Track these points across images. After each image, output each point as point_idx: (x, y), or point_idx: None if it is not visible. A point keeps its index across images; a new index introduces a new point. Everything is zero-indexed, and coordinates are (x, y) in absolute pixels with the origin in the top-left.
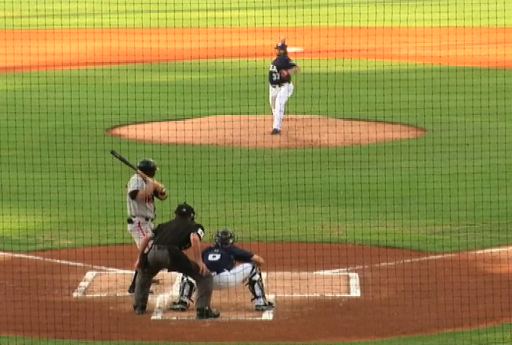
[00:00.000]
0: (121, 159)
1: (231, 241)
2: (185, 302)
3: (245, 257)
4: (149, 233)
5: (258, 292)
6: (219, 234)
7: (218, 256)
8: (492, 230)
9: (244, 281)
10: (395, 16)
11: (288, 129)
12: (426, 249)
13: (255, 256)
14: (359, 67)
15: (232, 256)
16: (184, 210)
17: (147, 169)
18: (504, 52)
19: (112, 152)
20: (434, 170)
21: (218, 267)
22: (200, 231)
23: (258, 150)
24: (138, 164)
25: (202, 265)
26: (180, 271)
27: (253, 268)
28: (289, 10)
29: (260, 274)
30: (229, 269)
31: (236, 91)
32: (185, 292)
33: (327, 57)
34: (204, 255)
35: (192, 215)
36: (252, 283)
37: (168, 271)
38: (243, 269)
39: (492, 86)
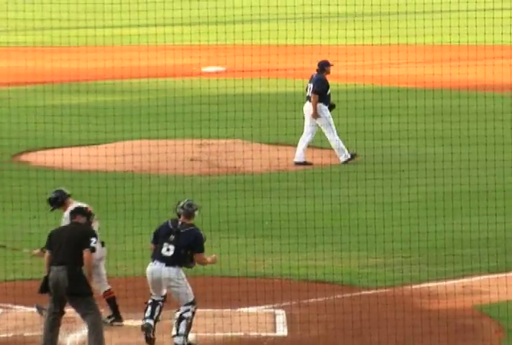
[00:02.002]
0: None
1: (196, 213)
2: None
3: (194, 252)
4: (47, 252)
5: (182, 329)
6: (184, 206)
7: (171, 251)
8: (429, 263)
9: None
10: (323, 34)
11: (209, 155)
12: (359, 283)
13: (202, 257)
14: (285, 88)
15: (183, 250)
16: (73, 209)
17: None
18: (441, 72)
19: None
20: (367, 198)
21: (169, 261)
22: (93, 241)
23: (177, 178)
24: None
25: (93, 286)
26: (77, 298)
27: (192, 302)
28: (210, 26)
29: (194, 313)
30: (180, 265)
31: (154, 114)
32: (155, 312)
33: (251, 77)
34: (159, 240)
35: (86, 215)
36: (180, 319)
37: (67, 296)
38: (187, 288)
39: (429, 108)
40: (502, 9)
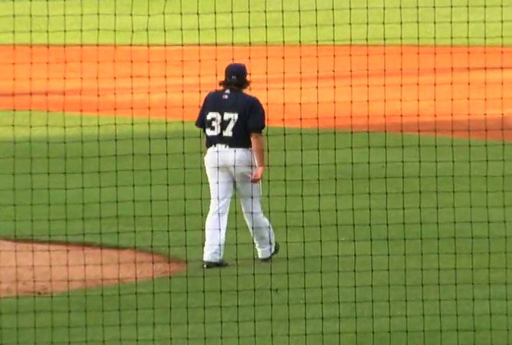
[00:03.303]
0: None
1: None
2: None
3: None
4: None
5: None
6: None
7: None
8: None
9: None
10: (137, 20)
11: None
12: None
13: None
14: (65, 132)
15: None
16: None
17: None
18: (334, 98)
19: None
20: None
21: None
22: None
23: None
24: None
25: None
26: None
27: None
28: None
29: None
30: None
31: None
32: None
33: None
34: None
35: None
36: None
37: None
38: None
39: (322, 168)
40: None
